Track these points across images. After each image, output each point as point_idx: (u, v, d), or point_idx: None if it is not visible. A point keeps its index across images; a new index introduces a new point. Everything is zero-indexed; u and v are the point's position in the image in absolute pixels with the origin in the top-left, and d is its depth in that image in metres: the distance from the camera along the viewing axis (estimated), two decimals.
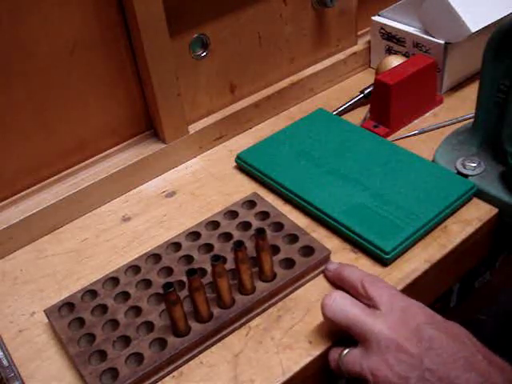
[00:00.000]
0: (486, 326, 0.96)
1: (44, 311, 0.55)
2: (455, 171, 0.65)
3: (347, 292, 0.51)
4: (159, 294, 0.54)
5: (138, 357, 0.49)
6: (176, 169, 0.75)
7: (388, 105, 0.72)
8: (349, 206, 0.61)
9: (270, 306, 0.54)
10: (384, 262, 0.57)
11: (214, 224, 0.62)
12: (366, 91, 0.80)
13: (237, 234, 0.60)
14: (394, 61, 0.78)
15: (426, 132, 0.74)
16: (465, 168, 0.64)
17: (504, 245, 0.66)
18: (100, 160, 0.70)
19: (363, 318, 0.47)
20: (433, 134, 0.74)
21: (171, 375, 0.50)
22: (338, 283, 0.54)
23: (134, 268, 0.58)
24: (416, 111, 0.77)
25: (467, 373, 0.41)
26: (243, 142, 0.78)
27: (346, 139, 0.71)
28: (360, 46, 0.89)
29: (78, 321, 0.54)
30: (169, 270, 0.57)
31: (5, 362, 0.52)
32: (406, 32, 0.81)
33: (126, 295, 0.55)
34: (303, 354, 0.50)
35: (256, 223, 0.61)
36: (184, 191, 0.71)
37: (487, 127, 0.66)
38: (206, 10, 0.69)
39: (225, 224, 0.61)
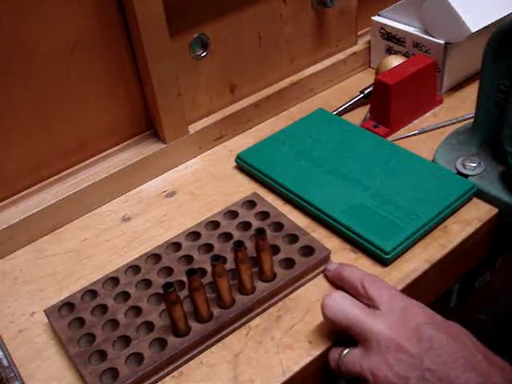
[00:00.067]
0: (485, 326, 0.95)
1: (44, 311, 0.55)
2: (455, 171, 0.65)
3: (347, 292, 0.51)
4: (159, 294, 0.54)
5: (138, 357, 0.49)
6: (176, 169, 0.75)
7: (388, 105, 0.72)
8: (349, 206, 0.61)
9: (269, 306, 0.54)
10: (384, 262, 0.57)
11: (213, 224, 0.62)
12: (366, 91, 0.80)
13: (237, 234, 0.60)
14: (394, 61, 0.78)
15: (425, 132, 0.74)
16: (465, 168, 0.64)
17: (504, 245, 0.66)
18: (100, 160, 0.70)
19: (363, 318, 0.47)
20: (433, 134, 0.74)
21: (171, 375, 0.50)
22: (338, 283, 0.54)
23: (133, 268, 0.58)
24: (416, 111, 0.77)
25: (467, 373, 0.41)
26: (243, 141, 0.78)
27: (346, 139, 0.71)
28: (360, 46, 0.89)
29: (77, 321, 0.54)
30: (169, 270, 0.57)
31: (5, 362, 0.52)
32: (406, 32, 0.81)
33: (125, 295, 0.55)
34: (303, 354, 0.50)
35: (256, 223, 0.61)
36: (184, 191, 0.71)
37: (487, 127, 0.66)
38: (206, 9, 0.69)
39: (225, 224, 0.61)
